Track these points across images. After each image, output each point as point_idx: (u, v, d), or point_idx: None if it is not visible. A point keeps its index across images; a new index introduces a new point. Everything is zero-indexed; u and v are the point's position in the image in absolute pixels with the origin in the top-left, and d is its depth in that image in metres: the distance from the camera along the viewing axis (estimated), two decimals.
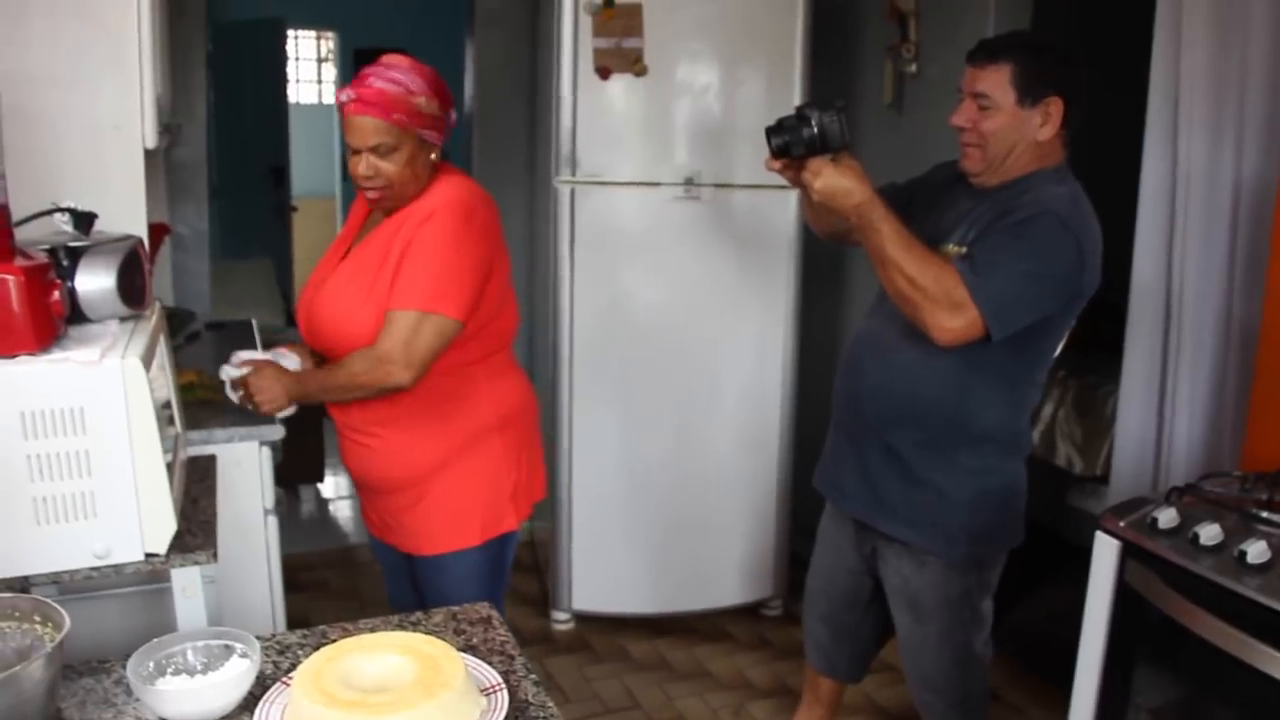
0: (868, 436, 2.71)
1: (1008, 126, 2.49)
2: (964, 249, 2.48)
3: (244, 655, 1.66)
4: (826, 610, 3.00)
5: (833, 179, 2.40)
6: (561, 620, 4.40)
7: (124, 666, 1.66)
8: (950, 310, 2.34)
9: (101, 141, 2.64)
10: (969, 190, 2.62)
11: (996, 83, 2.47)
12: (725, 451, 4.32)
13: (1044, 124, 2.49)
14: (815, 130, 2.42)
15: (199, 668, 1.66)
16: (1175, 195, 3.02)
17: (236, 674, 1.60)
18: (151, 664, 1.62)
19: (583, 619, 4.42)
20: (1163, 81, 3.03)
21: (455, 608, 1.99)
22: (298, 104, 9.23)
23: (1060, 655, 2.63)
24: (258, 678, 1.64)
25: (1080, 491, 4.41)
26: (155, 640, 1.65)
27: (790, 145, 2.45)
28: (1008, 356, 2.52)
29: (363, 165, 2.48)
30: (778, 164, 2.52)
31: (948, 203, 2.64)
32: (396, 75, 2.45)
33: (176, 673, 1.64)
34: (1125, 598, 2.32)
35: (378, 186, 2.51)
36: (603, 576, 4.35)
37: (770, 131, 2.48)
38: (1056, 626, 2.71)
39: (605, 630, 4.37)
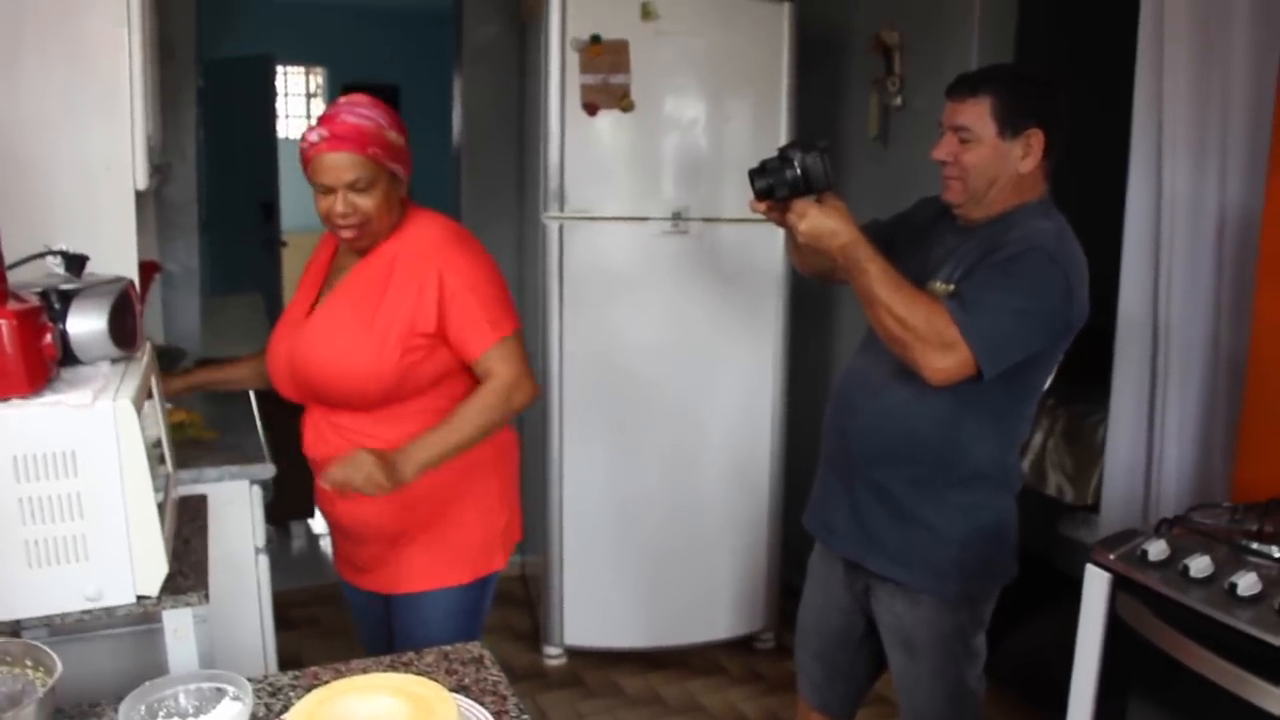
0: (857, 474, 2.67)
1: (989, 159, 2.47)
2: (951, 286, 2.46)
3: (236, 698, 1.65)
4: (819, 649, 2.96)
5: (817, 220, 2.37)
6: (553, 655, 4.39)
7: (116, 710, 1.66)
8: (941, 350, 2.32)
9: (93, 183, 2.65)
10: (954, 227, 2.61)
11: (977, 115, 2.46)
12: (716, 485, 4.32)
13: (1025, 156, 2.47)
14: (799, 171, 2.39)
15: (191, 711, 1.65)
16: (1160, 222, 3.03)
17: (228, 717, 1.60)
18: (143, 708, 1.61)
19: (575, 654, 4.41)
20: (1146, 109, 3.06)
21: (447, 648, 1.98)
22: (287, 139, 9.24)
23: (1052, 685, 2.62)
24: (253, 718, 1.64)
25: (1071, 520, 4.43)
26: (147, 684, 1.64)
27: (774, 187, 2.42)
28: (998, 392, 2.48)
29: (339, 203, 2.47)
30: (762, 206, 2.49)
31: (934, 239, 2.62)
32: (364, 111, 2.46)
33: (169, 716, 1.64)
34: (1117, 631, 2.32)
35: (354, 224, 2.50)
36: (594, 611, 4.35)
37: (753, 174, 2.46)
38: (1048, 656, 2.71)
39: (597, 665, 4.36)
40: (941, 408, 2.49)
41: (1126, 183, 3.14)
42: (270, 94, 8.22)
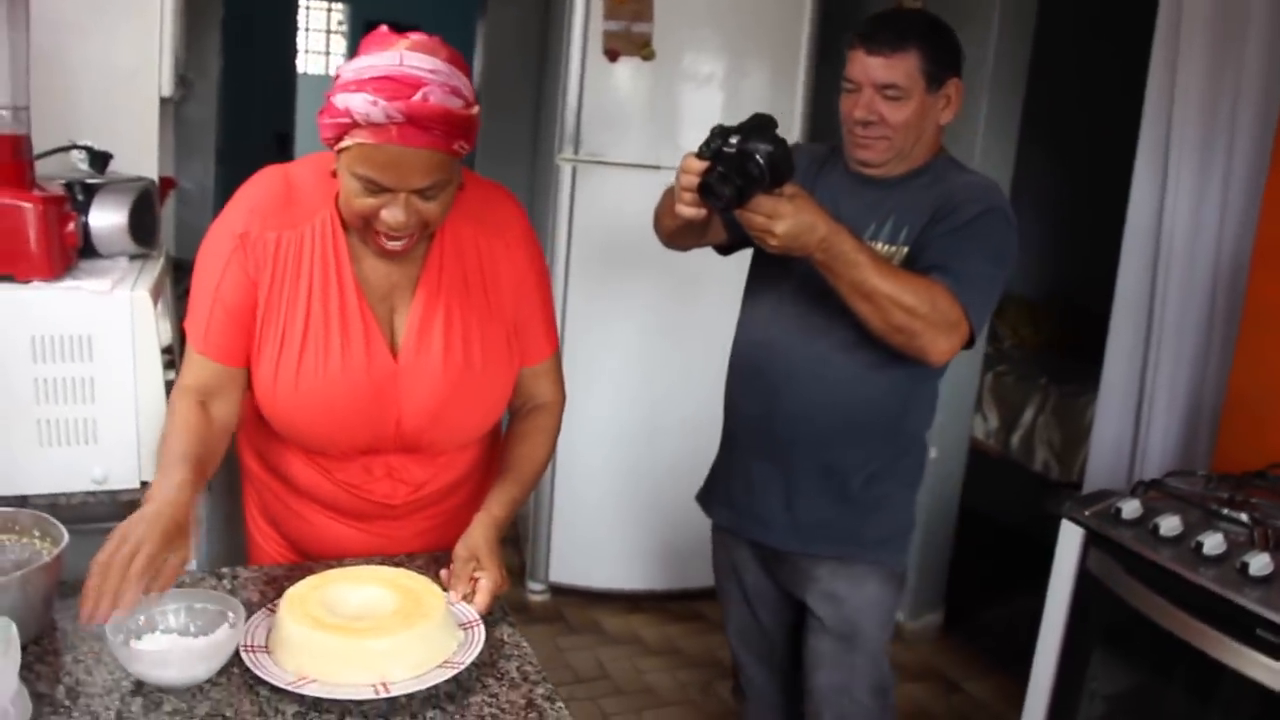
0: (800, 460, 2.43)
1: (918, 115, 2.29)
2: (905, 249, 2.30)
3: (233, 625, 1.62)
4: (776, 678, 2.74)
5: (796, 218, 2.01)
6: (537, 591, 4.47)
7: None
8: (948, 331, 2.14)
9: (119, 87, 2.68)
10: (858, 179, 2.41)
11: (906, 71, 2.25)
12: (711, 435, 4.36)
13: (946, 107, 2.33)
14: (764, 164, 1.96)
15: (192, 630, 1.64)
16: (1163, 208, 3.07)
17: (216, 640, 1.60)
18: (143, 617, 1.62)
19: (558, 591, 4.48)
20: (1157, 97, 3.09)
21: (439, 553, 2.05)
22: (305, 74, 9.28)
23: (1026, 653, 2.67)
24: (244, 603, 1.68)
25: (1056, 498, 4.48)
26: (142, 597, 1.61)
27: (743, 190, 1.97)
28: None
29: (399, 210, 1.72)
30: (697, 209, 2.07)
31: (839, 195, 2.37)
32: (452, 80, 1.69)
33: (168, 631, 1.63)
34: (1086, 585, 2.39)
35: (410, 235, 1.78)
36: (581, 550, 4.41)
37: (712, 179, 1.98)
38: (1028, 628, 2.74)
39: (580, 604, 4.43)
40: (895, 379, 2.35)
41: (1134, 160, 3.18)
42: (291, 26, 8.27)
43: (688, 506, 2.72)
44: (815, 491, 2.43)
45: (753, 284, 2.56)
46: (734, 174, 1.96)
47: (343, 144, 1.71)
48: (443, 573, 1.88)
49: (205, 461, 1.79)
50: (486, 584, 1.81)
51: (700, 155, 2.02)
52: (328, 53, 11.36)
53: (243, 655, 1.59)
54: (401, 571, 1.79)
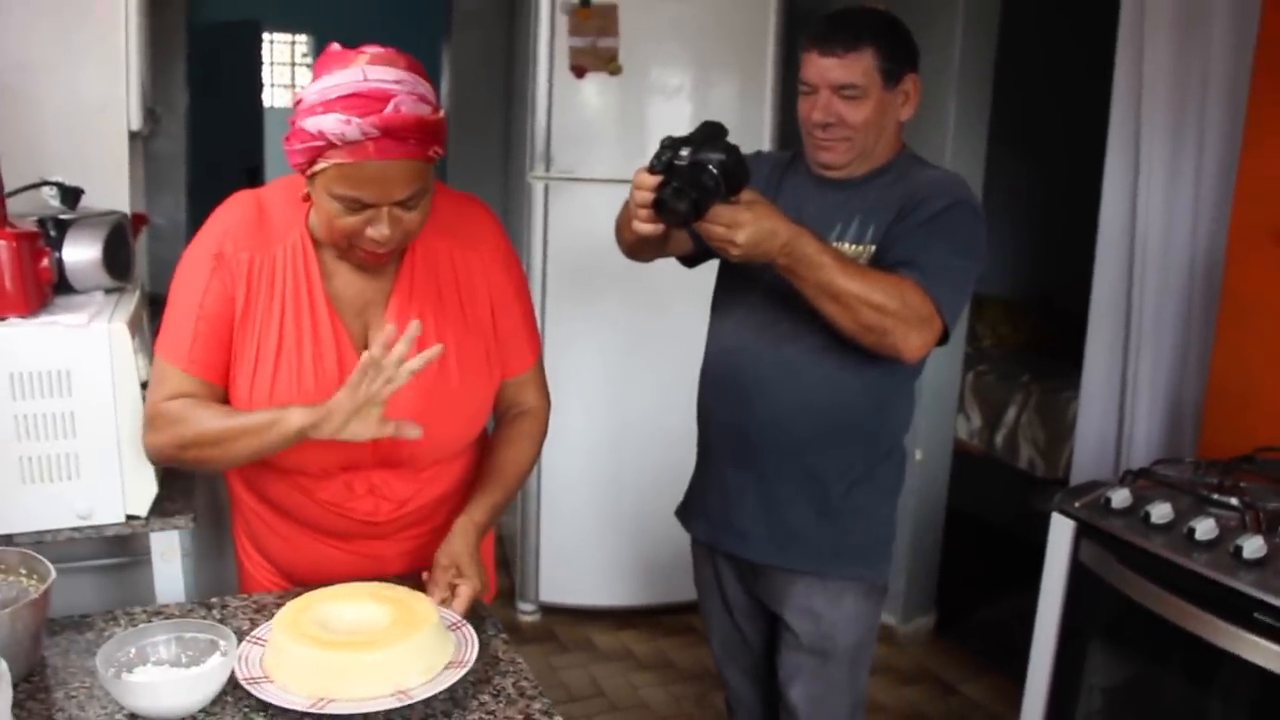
0: (776, 468, 2.38)
1: (877, 113, 2.24)
2: (872, 248, 2.26)
3: (224, 653, 1.62)
4: (759, 690, 2.71)
5: (756, 226, 1.96)
6: (527, 611, 4.45)
7: (105, 622, 1.72)
8: (920, 327, 2.09)
9: (86, 124, 2.68)
10: (821, 181, 2.36)
11: (863, 71, 2.20)
12: (691, 444, 4.35)
13: (905, 103, 2.29)
14: (718, 174, 1.90)
15: (183, 660, 1.65)
16: (1136, 206, 3.09)
17: (208, 669, 1.59)
18: (134, 650, 1.62)
19: (549, 610, 4.47)
20: (1124, 92, 3.10)
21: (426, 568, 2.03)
22: (272, 107, 9.26)
23: (1020, 652, 2.67)
24: (235, 631, 1.68)
25: (1042, 495, 4.48)
26: (132, 630, 1.66)
27: (699, 202, 1.91)
28: None
29: (384, 225, 1.74)
30: (654, 226, 2.01)
31: (803, 198, 2.34)
32: (416, 87, 1.72)
33: (159, 663, 1.63)
34: (1079, 577, 2.39)
35: (392, 249, 1.81)
36: (570, 569, 4.40)
37: (671, 193, 1.91)
38: (1018, 625, 2.75)
39: (571, 622, 4.42)
40: (871, 380, 2.30)
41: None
42: (256, 60, 8.25)
43: (672, 520, 2.70)
44: (793, 499, 2.38)
45: (720, 295, 2.52)
46: (688, 187, 1.90)
47: (317, 167, 1.70)
48: (424, 574, 1.90)
49: None
50: (465, 590, 1.83)
51: (652, 169, 1.97)
52: (293, 85, 11.35)
53: (246, 687, 1.57)
54: (381, 585, 1.79)
